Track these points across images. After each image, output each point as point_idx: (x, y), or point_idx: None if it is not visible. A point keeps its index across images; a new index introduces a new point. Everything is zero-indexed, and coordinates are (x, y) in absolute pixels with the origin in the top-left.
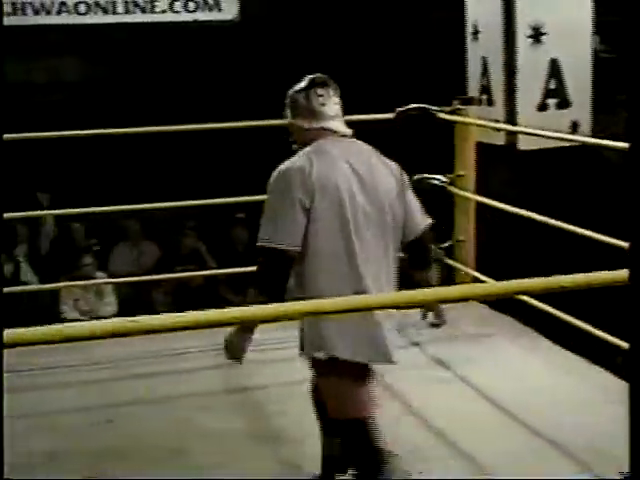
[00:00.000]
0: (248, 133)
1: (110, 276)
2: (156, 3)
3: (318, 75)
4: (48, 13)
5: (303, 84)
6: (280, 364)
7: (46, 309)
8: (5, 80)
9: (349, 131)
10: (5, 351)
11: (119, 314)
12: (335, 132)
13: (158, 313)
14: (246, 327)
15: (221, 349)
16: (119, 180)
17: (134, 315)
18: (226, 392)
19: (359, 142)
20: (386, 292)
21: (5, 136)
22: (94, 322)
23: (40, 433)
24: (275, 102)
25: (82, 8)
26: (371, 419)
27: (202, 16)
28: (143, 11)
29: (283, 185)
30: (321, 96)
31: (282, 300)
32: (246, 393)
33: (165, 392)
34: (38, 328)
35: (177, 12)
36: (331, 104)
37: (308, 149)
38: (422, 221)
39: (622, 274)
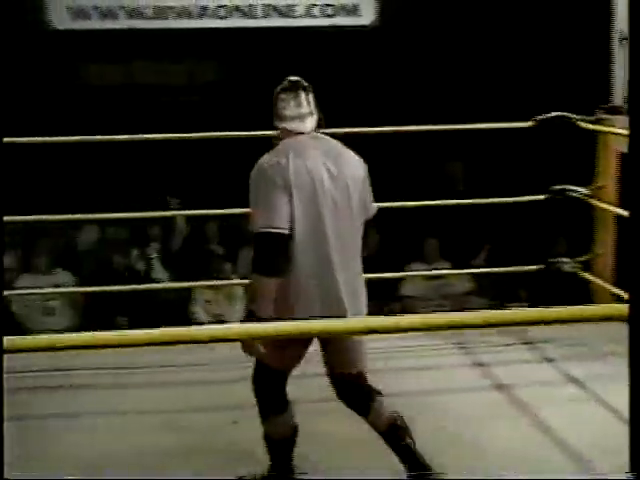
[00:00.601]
0: (390, 139)
1: (241, 279)
2: (294, 8)
3: (286, 79)
4: (189, 17)
5: (277, 89)
6: (405, 373)
7: (178, 308)
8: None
9: (309, 128)
10: (135, 349)
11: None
12: (296, 132)
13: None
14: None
15: None
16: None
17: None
18: None
19: (327, 137)
20: (353, 269)
21: (125, 137)
22: (94, 333)
23: (170, 431)
24: (413, 108)
25: (222, 12)
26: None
27: (340, 21)
28: (281, 15)
29: (266, 178)
30: (283, 100)
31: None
32: None
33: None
34: (40, 336)
35: (314, 17)
36: (292, 107)
37: (281, 145)
38: (371, 208)
39: None
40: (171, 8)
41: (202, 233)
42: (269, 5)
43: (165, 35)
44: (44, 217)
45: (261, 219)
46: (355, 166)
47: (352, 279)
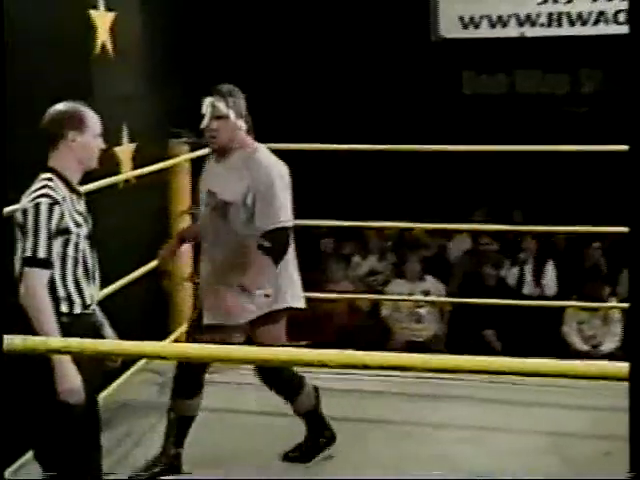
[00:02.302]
0: None
1: (620, 302)
2: None
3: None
4: (584, 24)
5: (239, 91)
6: None
7: (549, 327)
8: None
9: None
10: None
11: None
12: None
13: None
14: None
15: None
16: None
17: None
18: None
19: None
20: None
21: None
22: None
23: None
24: None
25: (622, 18)
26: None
27: None
28: None
29: (280, 177)
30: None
31: None
32: None
33: None
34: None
35: None
36: None
37: (267, 149)
38: None
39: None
40: (566, 15)
41: (580, 253)
42: None
43: (553, 43)
44: (417, 225)
45: (286, 214)
46: None
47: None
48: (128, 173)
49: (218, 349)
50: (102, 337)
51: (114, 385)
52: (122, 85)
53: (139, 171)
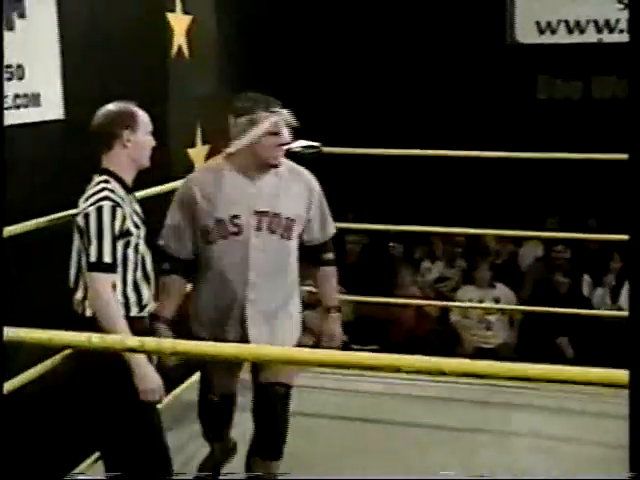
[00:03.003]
0: None
1: None
2: None
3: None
4: None
5: None
6: None
7: (621, 337)
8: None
9: None
10: None
11: None
12: None
13: None
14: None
15: None
16: None
17: None
18: None
19: None
20: None
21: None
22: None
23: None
24: None
25: None
26: None
27: None
28: None
29: None
30: None
31: None
32: None
33: None
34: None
35: None
36: None
37: None
38: None
39: None
40: None
41: None
42: None
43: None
44: (485, 231)
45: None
46: None
47: None
48: None
49: (308, 352)
50: None
51: (184, 385)
52: (197, 87)
53: None
